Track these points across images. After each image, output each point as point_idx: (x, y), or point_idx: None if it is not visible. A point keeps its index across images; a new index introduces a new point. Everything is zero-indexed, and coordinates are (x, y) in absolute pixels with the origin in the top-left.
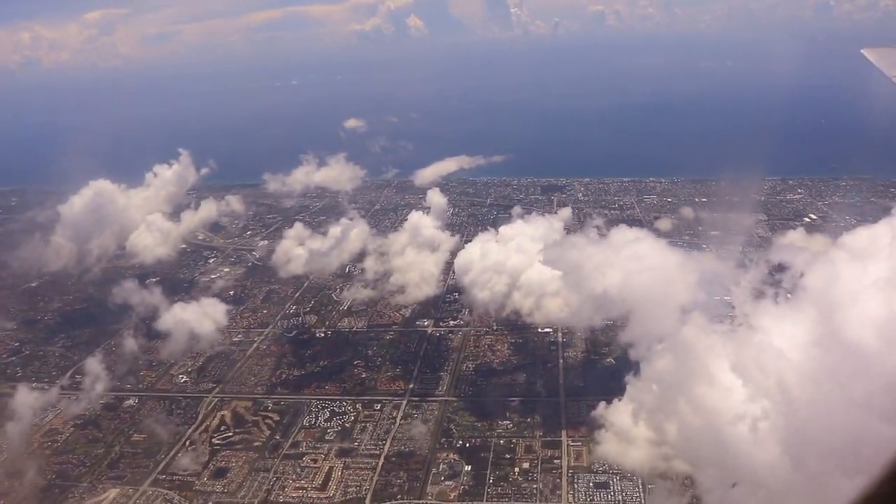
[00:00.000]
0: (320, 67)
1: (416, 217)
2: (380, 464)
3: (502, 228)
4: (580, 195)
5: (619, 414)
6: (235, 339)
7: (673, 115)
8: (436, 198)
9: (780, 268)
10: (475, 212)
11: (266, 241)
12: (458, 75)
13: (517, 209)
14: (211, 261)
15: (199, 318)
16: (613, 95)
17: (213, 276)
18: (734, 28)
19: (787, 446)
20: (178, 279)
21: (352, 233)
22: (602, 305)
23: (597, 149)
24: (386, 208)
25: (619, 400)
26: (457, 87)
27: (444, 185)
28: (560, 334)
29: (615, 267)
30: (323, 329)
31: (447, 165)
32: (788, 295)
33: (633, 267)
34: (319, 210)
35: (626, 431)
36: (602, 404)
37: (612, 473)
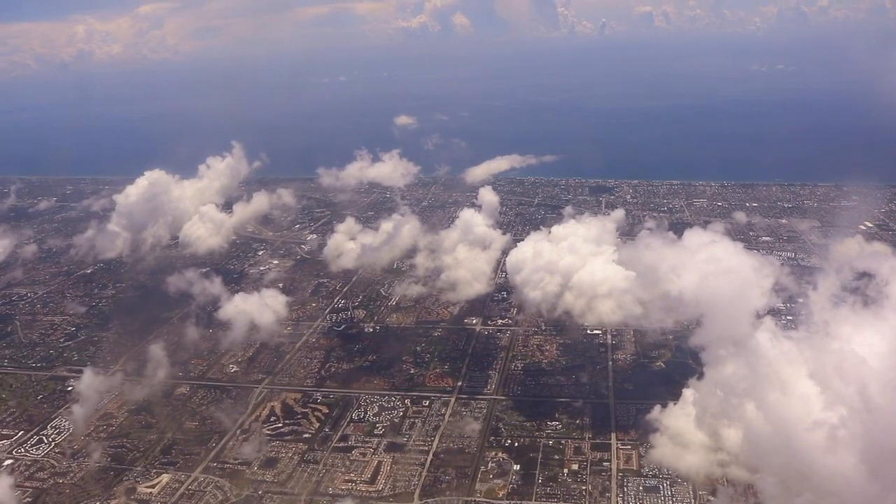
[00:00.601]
0: (367, 64)
1: (467, 214)
2: (428, 459)
3: (554, 228)
4: (629, 197)
5: (674, 418)
6: (285, 332)
7: (722, 118)
8: (487, 196)
9: (861, 275)
10: (523, 211)
11: (315, 235)
12: (505, 74)
13: (569, 209)
14: (260, 253)
15: (250, 309)
16: (661, 97)
17: (262, 268)
18: (785, 30)
19: (864, 455)
20: (229, 270)
21: (402, 229)
22: (671, 307)
23: (645, 150)
24: (433, 205)
25: (674, 404)
26: (504, 86)
27: (493, 183)
28: (609, 336)
29: (688, 269)
30: (372, 324)
31: (498, 164)
32: (858, 302)
33: (704, 270)
34: (367, 205)
35: (681, 435)
36: (657, 408)
37: (663, 478)
